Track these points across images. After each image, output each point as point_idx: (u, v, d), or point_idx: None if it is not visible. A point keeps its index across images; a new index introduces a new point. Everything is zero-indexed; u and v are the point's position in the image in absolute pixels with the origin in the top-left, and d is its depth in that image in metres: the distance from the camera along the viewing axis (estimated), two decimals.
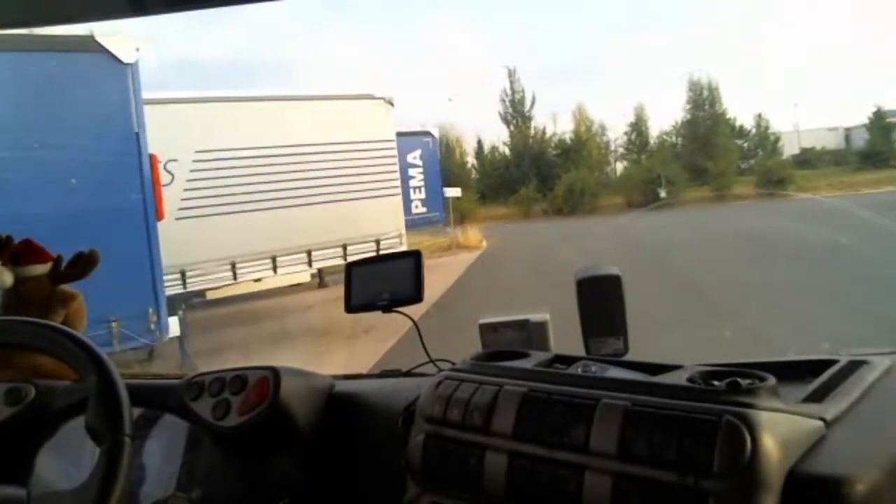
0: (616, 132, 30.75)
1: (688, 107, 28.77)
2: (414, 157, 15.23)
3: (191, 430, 0.95)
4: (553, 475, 0.64)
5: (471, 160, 31.73)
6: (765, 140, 27.63)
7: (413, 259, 1.03)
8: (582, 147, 29.43)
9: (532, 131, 30.86)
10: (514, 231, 19.38)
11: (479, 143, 31.43)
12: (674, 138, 29.49)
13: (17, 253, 1.18)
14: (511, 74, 30.97)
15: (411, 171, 14.96)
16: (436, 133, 16.70)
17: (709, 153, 25.52)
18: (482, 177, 30.04)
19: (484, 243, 15.32)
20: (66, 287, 1.20)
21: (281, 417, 0.90)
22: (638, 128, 30.00)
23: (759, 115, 27.81)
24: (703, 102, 28.09)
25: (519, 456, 0.67)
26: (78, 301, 1.20)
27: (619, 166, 30.64)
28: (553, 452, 0.65)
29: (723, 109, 28.02)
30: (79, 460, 0.89)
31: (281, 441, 0.93)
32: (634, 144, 29.91)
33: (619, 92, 43.23)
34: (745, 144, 27.91)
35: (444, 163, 29.45)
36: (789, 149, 26.68)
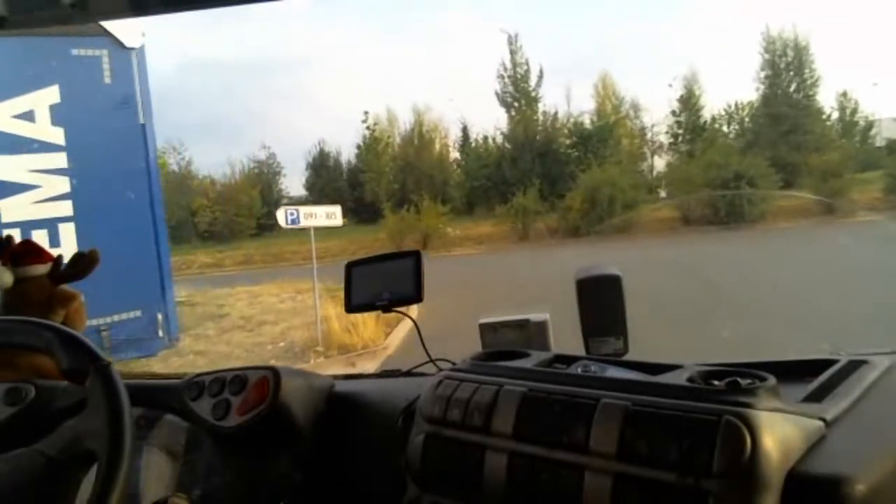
0: (653, 115, 21.06)
1: (763, 75, 19.50)
2: (30, 112, 4.87)
3: (191, 430, 0.96)
4: (553, 475, 0.64)
5: (457, 155, 23.26)
6: (851, 127, 19.57)
7: (413, 258, 1.03)
8: (608, 134, 20.16)
9: (540, 116, 21.90)
10: (473, 286, 8.41)
11: (465, 130, 23.08)
12: (726, 125, 20.02)
13: (17, 253, 1.18)
14: (511, 42, 22.24)
15: (12, 170, 4.83)
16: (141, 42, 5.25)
17: (797, 143, 17.70)
18: (467, 178, 21.82)
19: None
20: (66, 287, 1.20)
21: (281, 417, 0.90)
22: (690, 105, 20.39)
23: (845, 95, 19.50)
24: (788, 68, 19.26)
25: (519, 456, 0.67)
26: (78, 301, 1.20)
27: (659, 162, 21.19)
28: (553, 452, 0.64)
29: (815, 78, 18.76)
30: None
31: (281, 441, 0.93)
32: (686, 129, 20.37)
33: (658, 59, 32.69)
34: (824, 132, 19.57)
35: (413, 158, 21.33)
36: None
